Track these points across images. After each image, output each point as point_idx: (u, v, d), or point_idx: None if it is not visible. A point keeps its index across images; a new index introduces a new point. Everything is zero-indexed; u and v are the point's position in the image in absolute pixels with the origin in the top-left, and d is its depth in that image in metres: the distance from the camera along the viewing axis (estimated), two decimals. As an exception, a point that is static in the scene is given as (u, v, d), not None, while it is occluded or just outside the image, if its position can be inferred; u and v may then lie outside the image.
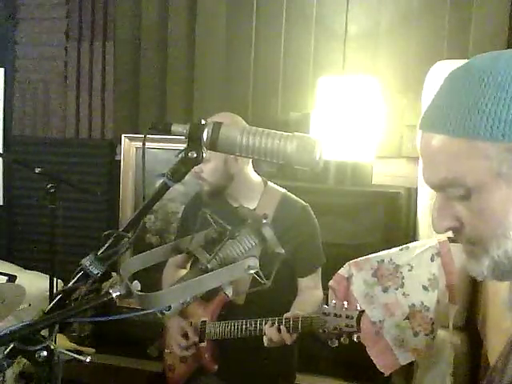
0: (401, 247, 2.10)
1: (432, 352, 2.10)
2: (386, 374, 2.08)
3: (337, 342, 1.66)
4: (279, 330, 1.73)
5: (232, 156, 1.83)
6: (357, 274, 2.11)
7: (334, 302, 1.73)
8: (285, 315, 1.77)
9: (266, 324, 1.77)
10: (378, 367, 2.07)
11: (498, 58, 0.71)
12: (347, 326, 1.64)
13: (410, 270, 2.05)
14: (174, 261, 2.12)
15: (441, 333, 2.11)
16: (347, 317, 1.65)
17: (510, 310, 0.79)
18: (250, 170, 1.98)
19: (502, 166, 0.68)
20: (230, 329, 1.87)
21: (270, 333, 1.74)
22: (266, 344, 1.76)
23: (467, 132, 0.69)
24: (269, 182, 2.03)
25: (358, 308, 1.69)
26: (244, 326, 1.84)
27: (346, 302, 1.73)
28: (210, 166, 1.88)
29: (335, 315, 1.66)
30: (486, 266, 0.73)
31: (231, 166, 1.89)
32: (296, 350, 2.10)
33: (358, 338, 1.66)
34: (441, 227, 0.76)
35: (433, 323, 2.01)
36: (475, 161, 0.69)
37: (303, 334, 1.75)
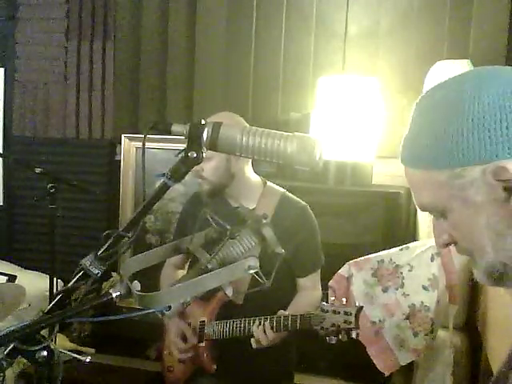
0: (401, 247, 2.10)
1: (432, 352, 2.10)
2: (386, 374, 2.08)
3: (335, 339, 1.66)
4: (273, 329, 1.73)
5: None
6: (357, 273, 2.11)
7: (332, 298, 1.73)
8: (279, 313, 1.77)
9: (264, 322, 1.77)
10: (377, 367, 2.07)
11: (440, 87, 0.80)
12: (345, 322, 1.63)
13: (410, 270, 2.05)
14: (171, 261, 2.12)
15: (441, 333, 2.11)
16: (345, 313, 1.64)
17: None
18: (249, 169, 1.98)
19: (453, 191, 0.76)
20: (229, 328, 1.87)
21: (257, 333, 1.75)
22: (253, 346, 1.77)
23: (421, 164, 0.79)
24: (268, 182, 2.03)
25: (357, 304, 1.69)
26: (243, 326, 1.84)
27: (344, 299, 1.72)
28: (211, 165, 1.88)
29: (333, 312, 1.66)
30: (482, 273, 0.79)
31: (233, 164, 1.89)
32: (294, 350, 2.10)
33: (357, 334, 1.65)
34: (439, 243, 0.84)
35: (433, 323, 2.01)
36: (435, 189, 0.78)
37: (302, 331, 1.75)
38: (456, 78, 0.80)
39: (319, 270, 2.04)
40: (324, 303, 1.70)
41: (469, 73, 0.81)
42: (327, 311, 1.67)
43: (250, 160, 1.94)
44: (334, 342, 1.66)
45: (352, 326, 1.63)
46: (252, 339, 1.77)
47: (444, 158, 0.75)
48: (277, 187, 2.03)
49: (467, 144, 0.72)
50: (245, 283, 1.79)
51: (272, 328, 1.74)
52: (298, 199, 2.01)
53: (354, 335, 1.65)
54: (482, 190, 0.73)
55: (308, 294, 1.99)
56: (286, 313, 1.79)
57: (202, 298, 1.94)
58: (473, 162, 0.73)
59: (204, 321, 1.96)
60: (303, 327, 1.72)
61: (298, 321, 1.72)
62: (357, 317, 1.63)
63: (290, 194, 2.02)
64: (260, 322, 1.78)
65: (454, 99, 0.75)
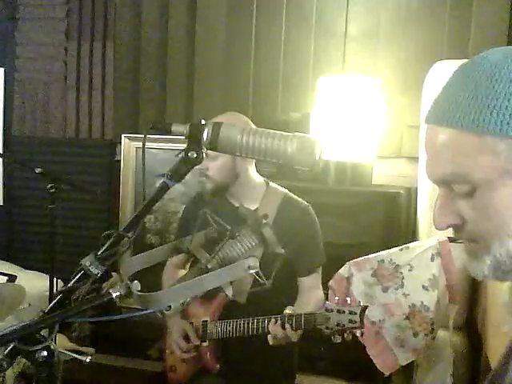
0: (401, 247, 2.10)
1: (432, 352, 2.10)
2: (386, 374, 2.08)
3: (340, 338, 1.67)
4: (283, 328, 1.73)
5: None
6: (357, 273, 2.11)
7: (336, 298, 1.73)
8: (287, 313, 1.77)
9: (268, 322, 1.77)
10: (378, 367, 2.07)
11: (510, 53, 0.70)
12: (350, 321, 1.64)
13: (410, 270, 2.05)
14: (173, 261, 2.12)
15: (441, 333, 2.11)
16: (350, 312, 1.65)
17: (510, 312, 0.79)
18: (253, 170, 1.99)
19: (511, 163, 0.67)
20: (232, 328, 1.88)
21: (275, 330, 1.74)
22: (270, 343, 1.77)
23: (476, 126, 0.67)
24: (270, 183, 2.04)
25: (362, 304, 1.69)
26: (245, 325, 1.84)
27: (348, 298, 1.73)
28: (217, 164, 1.88)
29: (338, 311, 1.66)
30: (487, 264, 0.71)
31: (238, 164, 1.90)
32: (296, 349, 2.10)
33: (362, 333, 1.66)
34: (442, 224, 0.74)
35: (433, 323, 2.01)
36: (483, 156, 0.67)
37: (306, 330, 1.75)
38: None
39: (320, 270, 2.05)
40: (328, 303, 1.70)
41: None
42: (332, 310, 1.67)
43: (254, 161, 1.94)
44: (338, 341, 1.67)
45: (357, 325, 1.64)
46: (269, 336, 1.77)
47: (510, 124, 0.65)
48: (279, 188, 2.04)
49: None
50: (247, 283, 1.79)
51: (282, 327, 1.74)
52: (300, 199, 2.02)
53: (358, 334, 1.65)
54: None
55: (311, 293, 2.00)
56: (292, 308, 1.79)
57: (204, 297, 1.94)
58: None
59: (206, 320, 1.96)
60: (308, 327, 1.72)
61: (303, 320, 1.72)
62: (361, 316, 1.64)
63: (293, 195, 2.03)
64: (263, 322, 1.78)
65: None
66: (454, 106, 0.70)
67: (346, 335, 1.66)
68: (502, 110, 0.66)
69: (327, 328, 1.67)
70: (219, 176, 1.91)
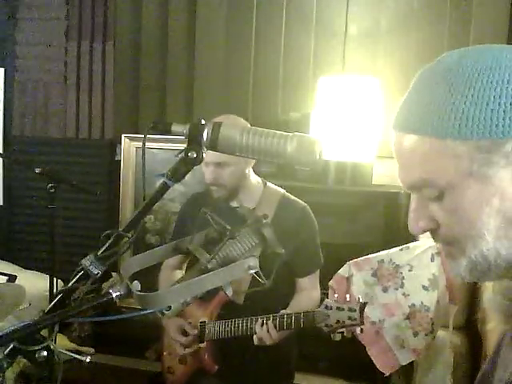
0: (401, 247, 2.10)
1: (432, 352, 2.10)
2: (386, 374, 2.08)
3: (340, 335, 1.67)
4: (276, 328, 1.74)
5: None
6: (357, 273, 2.11)
7: (336, 295, 1.73)
8: (284, 311, 1.77)
9: (266, 322, 1.77)
10: (378, 367, 2.07)
11: (464, 55, 0.70)
12: (350, 318, 1.64)
13: (410, 270, 2.05)
14: (169, 262, 2.10)
15: (441, 333, 2.11)
16: (349, 309, 1.65)
17: (494, 310, 0.79)
18: (250, 170, 1.98)
19: (473, 165, 0.67)
20: (230, 328, 1.87)
21: (260, 332, 1.75)
22: (255, 343, 1.78)
23: (436, 131, 0.68)
24: (268, 183, 2.03)
25: (361, 300, 1.69)
26: (243, 325, 1.84)
27: (348, 295, 1.73)
28: (230, 170, 1.86)
29: (337, 308, 1.66)
30: (463, 266, 0.72)
31: (246, 166, 1.90)
32: (295, 349, 2.10)
33: (361, 330, 1.66)
34: (417, 228, 0.76)
35: (433, 323, 2.01)
36: (446, 160, 0.69)
37: (305, 329, 1.75)
38: (485, 48, 0.72)
39: (318, 271, 2.04)
40: (328, 300, 1.70)
41: (499, 46, 0.73)
42: (331, 308, 1.67)
43: (253, 162, 1.94)
44: (338, 339, 1.67)
45: (356, 322, 1.64)
46: (254, 336, 1.78)
47: (471, 126, 0.66)
48: (277, 188, 2.02)
49: (504, 114, 0.65)
50: (245, 283, 1.79)
51: (275, 327, 1.75)
52: (298, 200, 2.00)
53: (358, 331, 1.65)
54: (507, 169, 0.66)
55: (307, 294, 1.99)
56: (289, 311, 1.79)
57: (201, 298, 1.94)
58: (507, 135, 0.65)
59: (204, 321, 1.96)
60: (307, 325, 1.72)
61: (302, 319, 1.72)
62: (361, 313, 1.64)
63: (290, 195, 2.02)
64: (263, 321, 1.78)
65: (489, 66, 0.67)
66: (414, 112, 0.71)
67: (345, 333, 1.66)
68: (459, 113, 0.67)
69: (326, 325, 1.67)
70: (232, 182, 1.89)
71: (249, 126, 1.91)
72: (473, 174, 0.68)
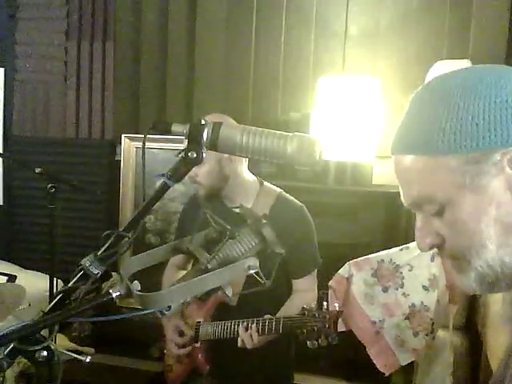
0: (401, 247, 2.10)
1: (432, 352, 2.10)
2: (386, 374, 2.08)
3: (316, 343, 1.63)
4: (258, 332, 1.74)
5: (226, 156, 1.82)
6: (357, 273, 2.11)
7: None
8: (267, 316, 1.77)
9: (256, 324, 1.76)
10: (378, 367, 2.07)
11: (448, 76, 0.76)
12: (324, 326, 1.62)
13: (410, 270, 2.05)
14: (174, 262, 2.12)
15: (441, 333, 2.11)
16: (324, 317, 1.63)
17: (505, 323, 0.79)
18: (244, 169, 1.95)
19: (465, 177, 0.70)
20: (224, 329, 1.86)
21: (244, 336, 1.76)
22: (239, 345, 1.78)
23: (429, 149, 0.72)
24: (264, 182, 2.00)
25: (339, 309, 1.68)
26: (232, 327, 1.83)
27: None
28: (204, 169, 1.85)
29: (313, 316, 1.64)
30: (472, 279, 0.74)
31: (225, 166, 1.87)
32: (293, 350, 2.09)
33: (335, 339, 1.63)
34: (424, 245, 0.78)
35: (433, 323, 2.01)
36: (440, 176, 0.72)
37: (284, 334, 1.74)
38: (468, 69, 0.77)
39: (315, 272, 1.99)
40: (305, 306, 1.68)
41: (481, 66, 0.77)
42: (307, 315, 1.65)
43: (245, 160, 1.93)
44: (314, 346, 1.63)
45: (330, 330, 1.61)
46: (239, 339, 1.78)
47: (459, 141, 0.70)
48: (273, 187, 1.99)
49: (488, 126, 0.68)
50: (239, 285, 1.78)
51: (258, 331, 1.74)
52: (294, 199, 1.97)
53: (330, 339, 1.62)
54: (499, 178, 0.69)
55: (301, 296, 1.95)
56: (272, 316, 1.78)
57: (199, 298, 1.94)
58: (494, 145, 0.68)
59: (200, 322, 1.95)
60: (285, 330, 1.70)
61: (281, 324, 1.71)
62: (334, 321, 1.62)
63: (287, 195, 1.99)
64: (248, 325, 1.77)
65: (472, 83, 0.71)
66: (407, 134, 0.77)
67: (320, 340, 1.62)
68: (447, 130, 0.71)
69: (302, 333, 1.65)
70: (208, 181, 1.88)
71: (235, 122, 1.91)
72: (467, 185, 0.71)
